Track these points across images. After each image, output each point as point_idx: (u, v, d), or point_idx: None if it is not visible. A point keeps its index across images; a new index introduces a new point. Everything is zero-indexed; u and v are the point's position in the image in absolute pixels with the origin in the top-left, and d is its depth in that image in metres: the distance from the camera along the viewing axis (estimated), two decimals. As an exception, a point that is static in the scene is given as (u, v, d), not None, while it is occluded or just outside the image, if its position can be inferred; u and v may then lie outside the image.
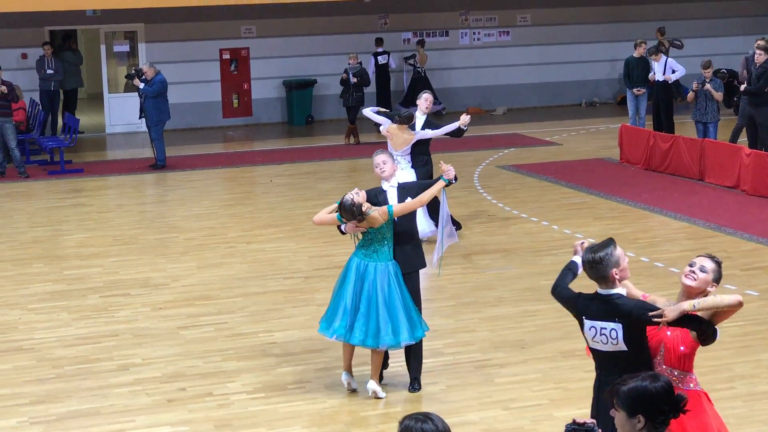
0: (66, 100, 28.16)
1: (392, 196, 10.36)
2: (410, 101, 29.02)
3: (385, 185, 10.46)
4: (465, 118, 15.86)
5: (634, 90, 23.97)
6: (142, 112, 22.90)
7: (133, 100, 25.17)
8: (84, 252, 16.14)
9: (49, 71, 26.08)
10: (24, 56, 26.80)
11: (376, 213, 10.00)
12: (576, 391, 10.31)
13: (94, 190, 21.07)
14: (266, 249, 15.96)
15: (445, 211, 11.23)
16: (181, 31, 27.95)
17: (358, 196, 9.95)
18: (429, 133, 15.79)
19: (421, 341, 10.47)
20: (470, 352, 11.51)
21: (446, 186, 10.40)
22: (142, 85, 22.49)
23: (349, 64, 25.84)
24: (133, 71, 23.30)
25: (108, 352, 11.79)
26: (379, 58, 28.43)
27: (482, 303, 13.18)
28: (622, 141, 22.02)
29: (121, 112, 27.90)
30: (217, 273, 14.81)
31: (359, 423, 9.83)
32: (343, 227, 10.22)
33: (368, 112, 16.32)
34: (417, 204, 10.30)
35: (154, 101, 22.50)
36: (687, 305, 6.72)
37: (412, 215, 10.53)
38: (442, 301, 13.29)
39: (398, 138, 15.60)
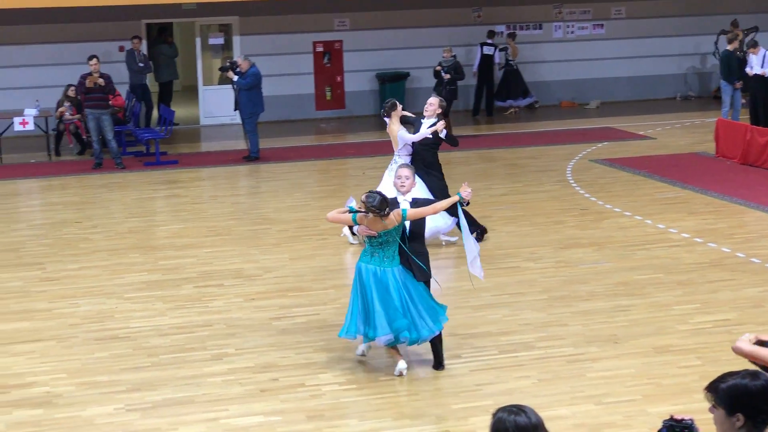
0: (161, 93, 28.51)
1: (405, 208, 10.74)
2: (504, 95, 29.03)
3: (399, 198, 10.89)
4: (438, 125, 15.03)
5: (736, 84, 23.66)
6: (237, 105, 23.08)
7: (227, 93, 25.38)
8: (178, 242, 16.33)
9: (140, 64, 26.38)
10: (121, 49, 27.14)
11: (392, 215, 10.40)
12: (670, 387, 10.22)
13: (189, 182, 21.30)
14: (358, 241, 16.01)
15: (465, 228, 11.34)
16: (276, 23, 28.13)
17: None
18: (408, 137, 15.11)
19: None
20: (562, 346, 11.44)
21: (460, 203, 10.88)
22: (236, 78, 22.67)
23: (443, 57, 25.81)
24: (227, 64, 23.48)
25: (202, 341, 11.91)
26: (484, 48, 28.38)
27: (574, 297, 13.11)
28: (718, 135, 21.74)
29: (215, 105, 28.17)
30: (309, 264, 14.89)
31: (450, 415, 9.83)
32: (355, 228, 10.74)
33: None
34: (430, 211, 10.78)
35: (248, 94, 22.67)
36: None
37: (422, 228, 10.90)
38: (534, 294, 13.24)
39: (391, 134, 15.44)
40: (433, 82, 26.08)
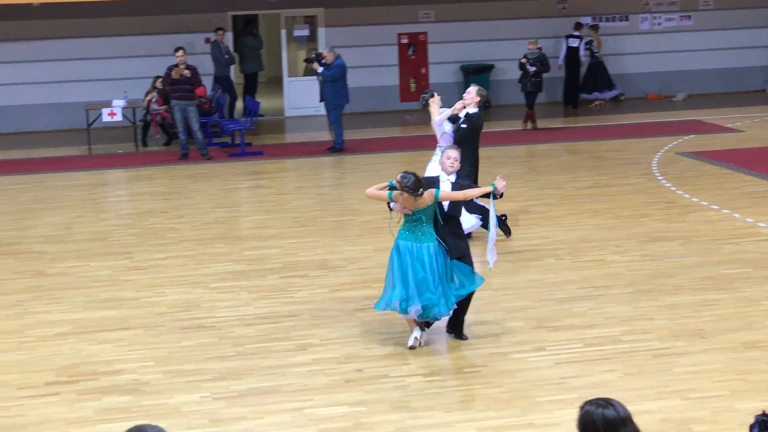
0: (247, 84, 28.70)
1: (445, 188, 11.19)
2: (589, 87, 28.84)
3: (443, 176, 11.37)
4: (457, 106, 15.20)
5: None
6: (322, 96, 23.16)
7: (312, 84, 25.47)
8: (263, 233, 16.43)
9: (225, 56, 26.56)
10: (207, 41, 27.35)
11: (425, 195, 10.86)
12: (759, 383, 10.09)
13: (273, 173, 21.42)
14: (442, 233, 15.95)
15: (492, 218, 11.57)
16: (360, 15, 28.19)
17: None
18: (436, 119, 15.31)
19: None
20: (648, 341, 11.34)
21: (493, 194, 11.16)
22: (321, 69, 22.75)
23: (528, 49, 25.68)
24: (312, 55, 23.58)
25: (286, 332, 11.97)
26: (570, 40, 28.25)
27: (660, 291, 12.98)
28: (808, 128, 21.43)
29: (300, 96, 28.31)
30: (393, 256, 14.87)
31: (535, 408, 9.79)
32: (392, 205, 11.14)
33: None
34: (461, 196, 11.15)
35: (333, 85, 22.74)
36: None
37: (457, 210, 11.35)
38: (620, 288, 13.13)
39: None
40: (518, 74, 25.95)
